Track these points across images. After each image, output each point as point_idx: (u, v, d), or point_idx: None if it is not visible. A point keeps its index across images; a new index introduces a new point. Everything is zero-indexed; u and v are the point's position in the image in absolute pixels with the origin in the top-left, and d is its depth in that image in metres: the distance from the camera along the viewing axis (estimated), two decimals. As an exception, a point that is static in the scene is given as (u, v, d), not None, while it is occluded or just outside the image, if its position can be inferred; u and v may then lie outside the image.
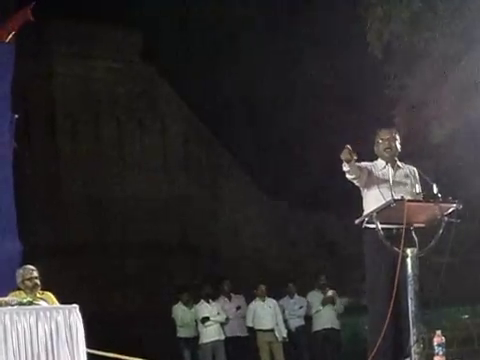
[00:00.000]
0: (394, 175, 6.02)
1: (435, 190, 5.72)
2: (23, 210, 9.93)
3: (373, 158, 6.23)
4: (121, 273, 15.21)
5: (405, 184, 6.09)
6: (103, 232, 15.53)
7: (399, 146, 6.15)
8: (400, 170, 6.12)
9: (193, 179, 17.30)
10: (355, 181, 6.01)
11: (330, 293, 12.34)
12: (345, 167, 5.82)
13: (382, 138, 6.13)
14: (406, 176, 6.12)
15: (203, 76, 17.39)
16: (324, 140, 16.72)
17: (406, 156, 6.01)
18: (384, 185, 5.98)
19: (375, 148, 6.22)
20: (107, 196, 16.00)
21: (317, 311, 12.30)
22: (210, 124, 17.61)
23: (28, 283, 7.37)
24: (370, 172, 6.03)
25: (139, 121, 17.00)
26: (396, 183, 5.98)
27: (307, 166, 17.30)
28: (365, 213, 5.93)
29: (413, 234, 5.87)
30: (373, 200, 5.95)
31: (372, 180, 6.03)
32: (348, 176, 5.94)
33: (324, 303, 12.24)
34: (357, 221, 5.92)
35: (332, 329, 12.30)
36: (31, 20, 9.74)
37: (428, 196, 5.77)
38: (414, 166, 6.15)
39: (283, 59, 17.61)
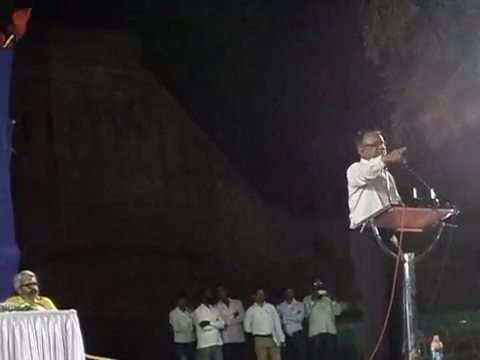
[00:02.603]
0: (388, 179, 6.02)
1: (432, 195, 5.70)
2: (21, 215, 9.92)
3: (355, 160, 6.15)
4: (119, 278, 15.19)
5: (394, 188, 6.08)
6: (101, 237, 15.50)
7: None
8: (388, 174, 6.08)
9: (191, 184, 17.28)
10: (368, 182, 5.89)
11: (321, 292, 12.34)
12: (379, 165, 5.72)
13: (374, 141, 6.06)
14: (391, 180, 6.11)
15: (201, 81, 17.39)
16: (323, 146, 16.73)
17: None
18: (379, 188, 5.97)
19: (361, 150, 6.12)
20: (105, 201, 15.98)
21: (311, 310, 12.26)
22: (208, 129, 17.60)
23: (26, 289, 7.38)
24: None
25: (137, 126, 16.99)
26: (390, 187, 5.98)
27: (306, 172, 17.30)
28: (361, 217, 5.88)
29: (410, 239, 5.85)
30: (371, 203, 5.91)
31: (369, 183, 5.99)
32: (370, 177, 5.79)
33: (314, 297, 12.25)
34: (354, 226, 5.89)
35: (328, 334, 12.32)
36: (30, 19, 9.75)
37: (425, 201, 5.75)
38: (412, 171, 6.08)
39: (282, 64, 17.62)
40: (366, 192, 5.95)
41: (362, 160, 6.10)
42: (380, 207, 5.78)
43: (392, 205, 5.63)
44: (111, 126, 16.66)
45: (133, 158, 16.81)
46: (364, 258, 5.87)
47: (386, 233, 5.76)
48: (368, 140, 6.07)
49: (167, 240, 15.97)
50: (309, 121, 17.02)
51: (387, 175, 5.97)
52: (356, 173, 5.94)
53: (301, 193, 17.40)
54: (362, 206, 5.93)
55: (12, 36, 9.73)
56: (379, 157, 5.79)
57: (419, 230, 5.86)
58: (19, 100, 11.57)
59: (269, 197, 17.73)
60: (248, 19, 17.79)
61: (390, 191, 5.93)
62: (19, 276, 7.56)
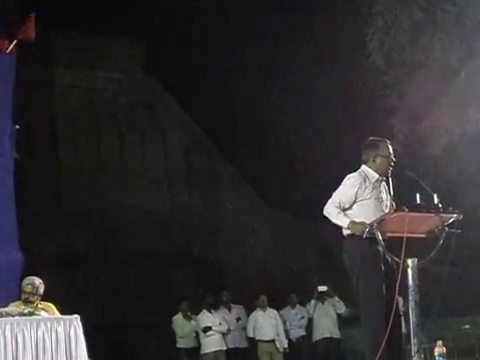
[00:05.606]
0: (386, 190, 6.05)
1: (436, 200, 5.69)
2: (24, 221, 9.93)
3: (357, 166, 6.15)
4: (123, 284, 15.19)
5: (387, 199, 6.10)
6: (105, 243, 15.51)
7: None
8: (383, 184, 6.09)
9: (195, 189, 17.29)
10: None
11: (322, 288, 12.26)
12: (342, 225, 6.01)
13: (389, 153, 6.03)
14: (387, 192, 6.12)
15: (204, 86, 17.42)
16: (326, 150, 16.74)
17: (405, 166, 5.97)
18: (379, 197, 5.98)
19: (372, 159, 6.07)
20: (108, 207, 15.99)
21: (314, 310, 12.20)
22: (212, 135, 17.62)
23: (22, 295, 7.43)
24: (357, 191, 5.99)
25: (141, 132, 17.01)
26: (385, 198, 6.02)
27: (309, 176, 17.29)
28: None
29: (413, 245, 5.84)
30: (373, 210, 5.91)
31: (365, 193, 5.97)
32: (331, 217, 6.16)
33: (315, 296, 12.20)
34: (357, 232, 5.86)
35: (331, 338, 12.27)
36: (32, 38, 9.79)
37: (428, 206, 5.73)
38: (415, 176, 6.06)
39: (285, 70, 17.63)
40: (365, 201, 5.95)
41: (365, 167, 6.08)
42: (380, 214, 5.79)
43: (395, 210, 5.62)
44: (114, 131, 16.68)
45: (136, 163, 16.83)
46: (364, 264, 5.83)
47: (384, 239, 5.74)
48: (385, 151, 6.02)
49: (170, 246, 15.97)
50: (312, 126, 17.03)
51: (390, 183, 5.99)
52: (336, 201, 6.24)
53: (304, 198, 17.38)
54: (363, 212, 5.92)
55: (15, 41, 9.77)
56: (348, 221, 5.92)
57: (422, 235, 5.84)
58: (22, 105, 11.60)
59: (272, 202, 17.72)
60: (251, 24, 17.81)
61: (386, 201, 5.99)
62: (25, 282, 7.58)
